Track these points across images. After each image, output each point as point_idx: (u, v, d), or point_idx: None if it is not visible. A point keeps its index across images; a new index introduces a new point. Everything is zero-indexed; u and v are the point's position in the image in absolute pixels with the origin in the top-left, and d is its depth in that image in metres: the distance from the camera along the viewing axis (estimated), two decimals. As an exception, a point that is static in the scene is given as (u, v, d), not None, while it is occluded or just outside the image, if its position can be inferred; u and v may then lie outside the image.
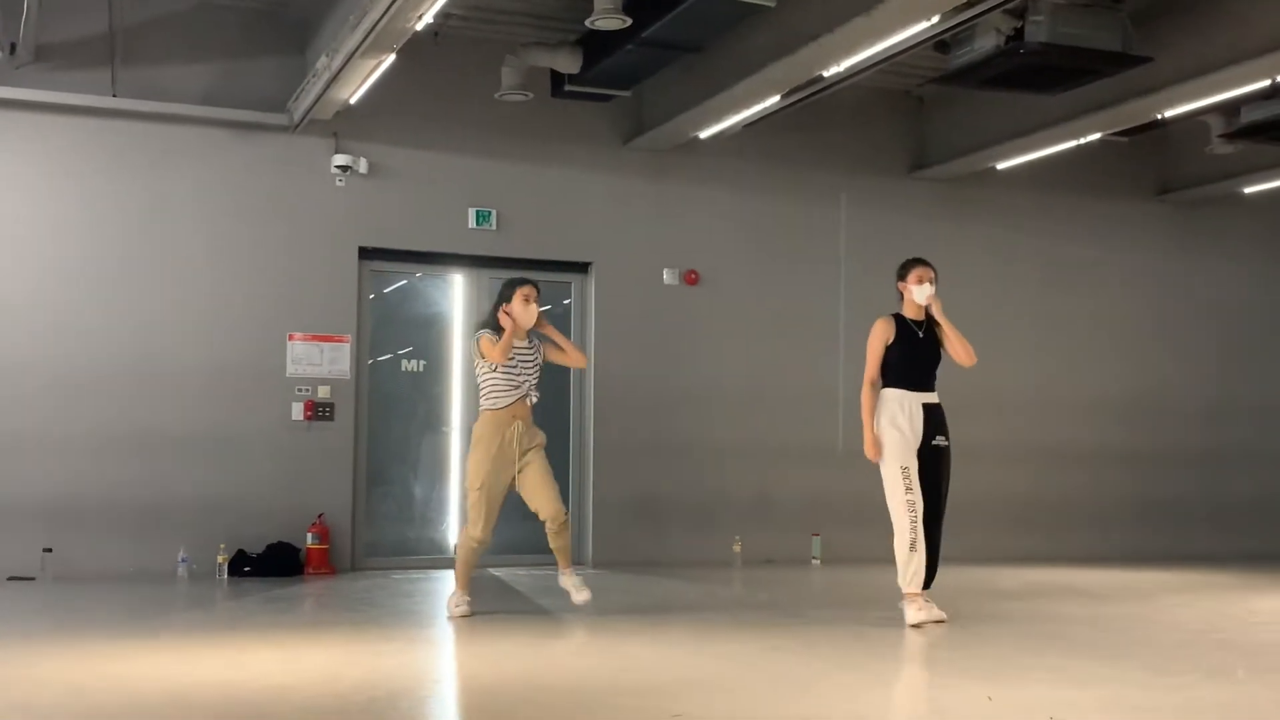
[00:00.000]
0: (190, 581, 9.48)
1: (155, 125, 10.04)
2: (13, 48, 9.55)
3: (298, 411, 10.25)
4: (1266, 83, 9.62)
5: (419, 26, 8.44)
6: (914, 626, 7.10)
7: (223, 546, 9.71)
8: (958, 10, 8.37)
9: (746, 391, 11.52)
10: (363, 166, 10.50)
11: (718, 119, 10.51)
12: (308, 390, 10.30)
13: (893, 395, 7.37)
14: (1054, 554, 11.96)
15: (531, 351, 7.53)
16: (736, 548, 11.12)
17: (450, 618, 7.43)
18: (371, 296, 10.77)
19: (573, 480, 11.01)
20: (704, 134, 10.89)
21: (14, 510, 9.49)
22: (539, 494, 7.42)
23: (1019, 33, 8.93)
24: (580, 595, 7.50)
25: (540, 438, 7.54)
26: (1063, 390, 12.63)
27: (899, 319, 7.50)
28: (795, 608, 8.50)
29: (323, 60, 9.16)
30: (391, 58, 8.96)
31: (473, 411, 10.77)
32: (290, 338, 10.30)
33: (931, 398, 7.42)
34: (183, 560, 9.65)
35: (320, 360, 10.36)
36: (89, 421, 9.74)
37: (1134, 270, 13.05)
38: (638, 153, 11.34)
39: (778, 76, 9.45)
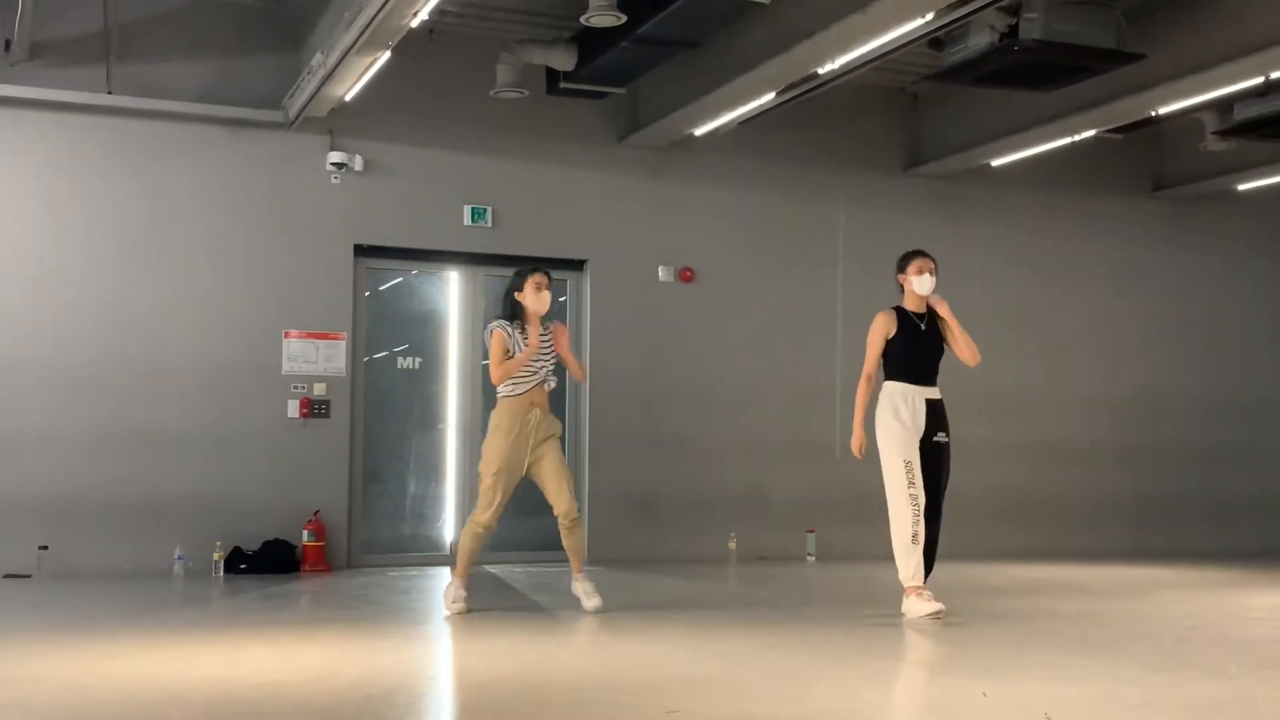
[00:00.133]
0: (186, 579, 9.48)
1: (150, 122, 10.04)
2: (7, 45, 9.55)
3: (293, 409, 10.25)
4: (1260, 80, 9.65)
5: (414, 23, 8.43)
6: (922, 617, 7.11)
7: (219, 544, 9.71)
8: (952, 7, 8.37)
9: (742, 389, 11.52)
10: (358, 164, 10.49)
11: (713, 116, 10.52)
12: (303, 388, 10.30)
13: (895, 388, 7.37)
14: (1050, 551, 11.97)
15: (547, 337, 7.55)
16: (732, 544, 11.13)
17: (447, 614, 7.43)
18: (367, 294, 10.76)
19: (569, 478, 11.01)
20: (699, 131, 10.88)
21: (10, 508, 9.49)
22: (553, 488, 7.45)
23: (1013, 30, 8.93)
24: (591, 602, 7.50)
25: (557, 427, 7.57)
26: (1059, 386, 12.63)
27: (900, 312, 7.49)
28: (792, 605, 8.51)
29: (318, 57, 9.15)
30: (386, 55, 8.96)
31: (469, 408, 10.83)
32: (286, 335, 10.30)
33: (934, 393, 7.42)
34: (179, 557, 9.64)
35: (316, 358, 10.36)
36: (84, 419, 9.73)
37: (1129, 267, 13.06)
38: (633, 150, 11.33)
39: (773, 74, 9.45)
